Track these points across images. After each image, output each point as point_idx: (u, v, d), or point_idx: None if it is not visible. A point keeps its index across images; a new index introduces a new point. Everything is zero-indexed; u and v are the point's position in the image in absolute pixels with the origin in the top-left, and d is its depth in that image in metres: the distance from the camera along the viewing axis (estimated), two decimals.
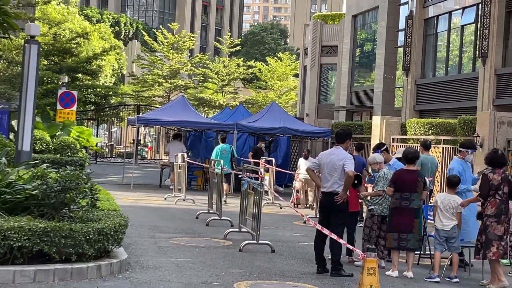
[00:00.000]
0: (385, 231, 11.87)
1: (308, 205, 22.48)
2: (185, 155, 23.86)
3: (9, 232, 9.14)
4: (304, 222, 15.86)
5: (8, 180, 10.65)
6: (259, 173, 16.60)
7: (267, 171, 22.59)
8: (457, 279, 10.97)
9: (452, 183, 11.70)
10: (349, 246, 10.77)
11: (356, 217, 12.27)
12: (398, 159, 13.25)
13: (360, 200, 12.91)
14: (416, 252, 12.05)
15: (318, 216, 13.42)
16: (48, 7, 44.12)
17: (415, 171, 11.59)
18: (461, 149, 13.39)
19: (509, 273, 11.96)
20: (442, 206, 11.41)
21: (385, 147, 13.68)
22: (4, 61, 36.83)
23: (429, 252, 12.23)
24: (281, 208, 20.93)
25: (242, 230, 14.35)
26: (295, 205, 21.76)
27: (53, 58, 42.81)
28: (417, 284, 10.83)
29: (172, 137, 30.31)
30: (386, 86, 32.74)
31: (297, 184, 23.19)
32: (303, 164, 22.19)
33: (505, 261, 12.05)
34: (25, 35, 15.90)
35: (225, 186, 21.40)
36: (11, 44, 33.59)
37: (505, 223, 10.78)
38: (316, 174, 11.78)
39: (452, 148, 19.63)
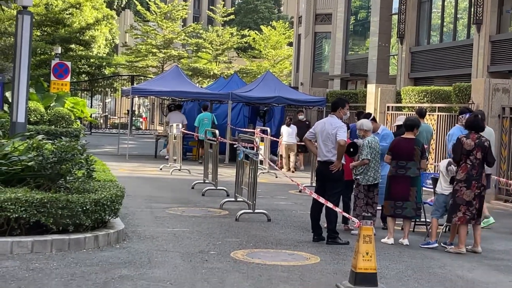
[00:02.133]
0: (374, 198, 11.99)
1: (291, 169, 24.02)
2: (180, 125, 23.87)
3: (5, 204, 9.17)
4: (300, 191, 15.93)
5: (4, 152, 10.66)
6: (255, 143, 16.62)
7: (262, 140, 22.65)
8: (452, 246, 11.04)
9: (455, 152, 11.69)
10: (345, 214, 10.80)
11: (352, 185, 12.29)
12: (399, 126, 13.25)
13: None
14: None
15: (313, 185, 13.48)
16: None
17: (413, 139, 11.54)
18: (460, 115, 13.42)
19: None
20: (444, 173, 11.46)
21: (372, 116, 13.64)
22: None
23: (424, 220, 12.30)
24: (276, 177, 21.01)
25: (238, 199, 14.42)
26: (280, 169, 22.03)
27: (46, 29, 42.61)
28: (412, 251, 10.89)
29: (167, 108, 30.22)
30: (381, 54, 32.64)
31: (280, 150, 24.81)
32: (285, 131, 24.43)
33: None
34: (18, 6, 15.81)
35: (201, 150, 24.01)
36: (3, 15, 33.40)
37: (475, 188, 10.75)
38: (313, 143, 11.81)
39: (447, 115, 19.67)
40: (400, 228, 11.65)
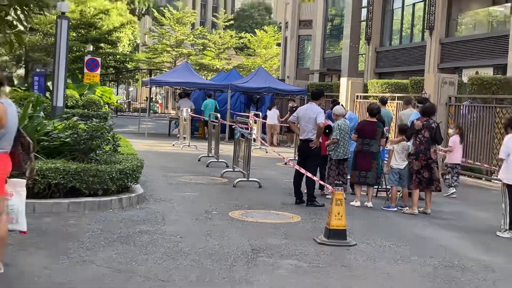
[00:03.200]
0: (344, 170, 12.01)
1: (274, 144, 24.61)
2: (189, 110, 23.88)
3: (47, 172, 9.22)
4: (285, 164, 15.94)
5: (46, 130, 10.65)
6: (249, 124, 16.64)
7: (255, 122, 22.68)
8: (407, 208, 11.10)
9: (402, 130, 11.79)
10: (321, 182, 10.81)
11: (326, 159, 12.31)
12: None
13: None
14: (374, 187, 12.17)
15: (296, 158, 13.49)
16: None
17: (375, 122, 11.59)
18: (418, 104, 13.48)
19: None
20: (398, 149, 11.51)
21: (340, 104, 13.59)
22: (40, 33, 36.46)
23: (385, 187, 12.35)
24: (266, 152, 21.00)
25: (235, 170, 14.45)
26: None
27: (80, 31, 42.39)
28: (375, 212, 10.95)
29: (178, 96, 30.18)
30: (352, 53, 32.59)
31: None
32: (268, 114, 25.19)
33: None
34: (57, 11, 15.69)
35: (205, 129, 24.63)
36: (46, 19, 33.14)
37: (422, 160, 10.85)
38: (296, 125, 11.84)
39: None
40: (365, 193, 11.70)
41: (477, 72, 22.31)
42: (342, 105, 13.78)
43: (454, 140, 13.33)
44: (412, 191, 11.08)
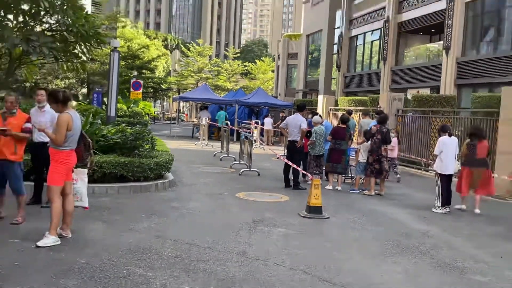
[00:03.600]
0: (320, 163, 11.95)
1: (269, 144, 24.92)
2: (207, 118, 23.88)
3: (103, 164, 9.24)
4: (277, 158, 15.93)
5: (102, 133, 10.63)
6: (251, 129, 16.63)
7: (255, 128, 22.67)
8: (366, 191, 11.10)
9: (365, 135, 11.79)
10: (304, 172, 10.84)
11: (307, 155, 12.28)
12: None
13: None
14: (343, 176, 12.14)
15: (285, 154, 13.47)
16: (124, 29, 43.52)
17: (345, 128, 11.58)
18: (376, 115, 13.45)
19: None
20: (363, 148, 11.51)
21: (318, 114, 13.46)
22: (98, 62, 36.40)
23: (351, 176, 12.33)
24: (264, 150, 20.98)
25: (241, 162, 14.43)
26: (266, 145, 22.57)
27: (127, 60, 42.27)
28: (343, 194, 10.93)
29: (199, 108, 30.19)
30: (327, 77, 32.63)
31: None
32: (265, 122, 25.72)
33: None
34: (111, 46, 15.69)
35: (219, 133, 24.00)
36: (102, 52, 33.09)
37: (375, 155, 10.85)
38: (285, 129, 11.82)
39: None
40: (336, 180, 11.68)
41: (418, 91, 22.25)
42: (320, 115, 13.76)
43: (394, 141, 13.32)
44: (369, 178, 11.08)
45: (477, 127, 11.09)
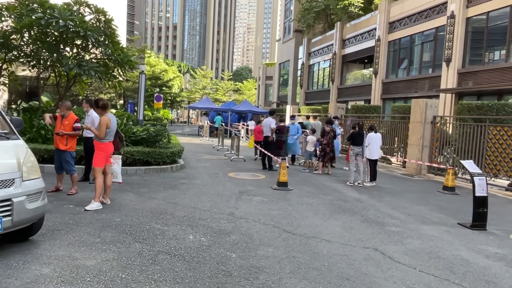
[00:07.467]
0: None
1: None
2: (208, 121, 23.69)
3: (134, 152, 9.12)
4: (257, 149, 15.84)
5: (133, 131, 10.51)
6: (240, 129, 16.55)
7: (242, 128, 22.57)
8: (307, 171, 10.88)
9: (314, 132, 11.75)
10: (275, 157, 10.77)
11: (278, 145, 12.08)
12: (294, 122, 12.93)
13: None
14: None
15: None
16: (149, 59, 42.90)
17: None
18: (333, 118, 13.38)
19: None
20: (310, 141, 11.52)
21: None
22: (131, 81, 35.88)
23: (303, 160, 12.22)
24: (248, 143, 20.88)
25: (232, 152, 14.35)
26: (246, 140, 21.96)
27: (152, 81, 41.71)
28: (300, 173, 10.73)
29: (204, 114, 29.98)
30: (293, 93, 32.67)
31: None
32: (250, 123, 23.75)
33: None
34: (140, 70, 15.51)
35: (215, 131, 23.83)
36: (134, 74, 32.63)
37: (327, 147, 10.70)
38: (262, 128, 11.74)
39: (318, 118, 19.55)
40: (298, 164, 11.61)
41: (355, 103, 22.45)
42: (294, 116, 13.18)
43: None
44: (322, 162, 11.00)
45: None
